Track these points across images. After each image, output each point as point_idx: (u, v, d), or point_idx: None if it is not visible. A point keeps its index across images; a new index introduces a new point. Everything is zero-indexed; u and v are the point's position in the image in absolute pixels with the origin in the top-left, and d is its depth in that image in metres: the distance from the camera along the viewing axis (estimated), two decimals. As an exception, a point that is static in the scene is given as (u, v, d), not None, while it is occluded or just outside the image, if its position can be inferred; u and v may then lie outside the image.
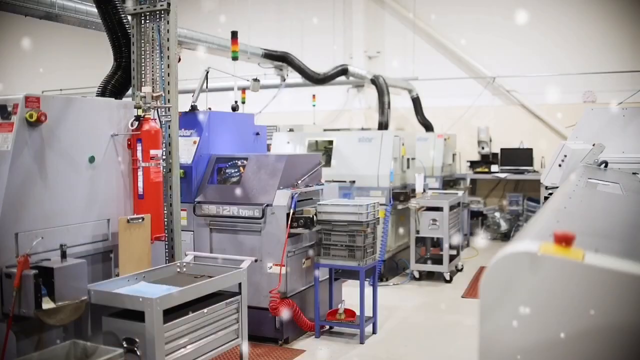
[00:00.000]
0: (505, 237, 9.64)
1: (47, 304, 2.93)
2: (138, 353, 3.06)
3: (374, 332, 5.38)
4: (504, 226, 9.83)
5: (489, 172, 10.12)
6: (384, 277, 7.06)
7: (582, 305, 1.30)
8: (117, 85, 4.18)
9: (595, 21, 9.79)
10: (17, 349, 2.98)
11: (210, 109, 5.81)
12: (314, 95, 10.44)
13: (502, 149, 10.26)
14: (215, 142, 5.50)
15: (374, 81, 9.71)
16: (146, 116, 3.77)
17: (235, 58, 6.58)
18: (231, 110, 6.20)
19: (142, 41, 4.16)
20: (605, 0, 9.78)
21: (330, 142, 7.85)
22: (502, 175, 9.95)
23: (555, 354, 1.32)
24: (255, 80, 7.64)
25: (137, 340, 3.07)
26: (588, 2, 9.93)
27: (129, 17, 4.17)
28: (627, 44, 9.64)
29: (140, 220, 3.66)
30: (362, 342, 5.15)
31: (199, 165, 5.35)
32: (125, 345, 3.08)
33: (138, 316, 3.09)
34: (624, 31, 9.66)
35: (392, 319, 5.86)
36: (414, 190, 7.58)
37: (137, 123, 3.73)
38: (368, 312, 5.41)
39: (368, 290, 5.44)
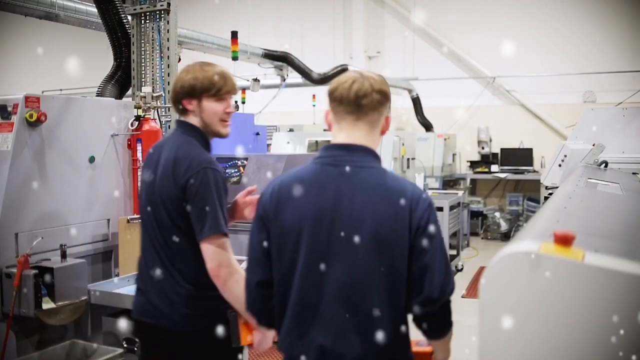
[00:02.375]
0: (505, 237, 9.64)
1: (47, 304, 2.93)
2: (138, 353, 3.06)
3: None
4: (504, 226, 9.83)
5: (489, 172, 10.12)
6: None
7: (582, 305, 1.30)
8: (117, 85, 4.18)
9: (595, 21, 9.80)
10: (17, 349, 2.99)
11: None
12: (314, 95, 10.45)
13: (502, 149, 10.26)
14: (215, 142, 5.50)
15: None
16: (146, 116, 3.77)
17: (235, 58, 6.58)
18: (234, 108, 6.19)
19: (142, 41, 4.16)
20: (606, 0, 9.78)
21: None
22: (502, 175, 9.96)
23: (555, 353, 1.32)
24: (255, 80, 7.65)
25: (137, 340, 3.07)
26: (588, 2, 9.94)
27: (129, 17, 4.17)
28: (627, 44, 9.64)
29: (140, 221, 3.65)
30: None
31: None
32: (125, 346, 3.08)
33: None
34: (624, 31, 9.66)
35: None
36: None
37: (137, 123, 3.73)
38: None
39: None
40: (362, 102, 1.75)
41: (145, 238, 2.27)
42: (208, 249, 2.10)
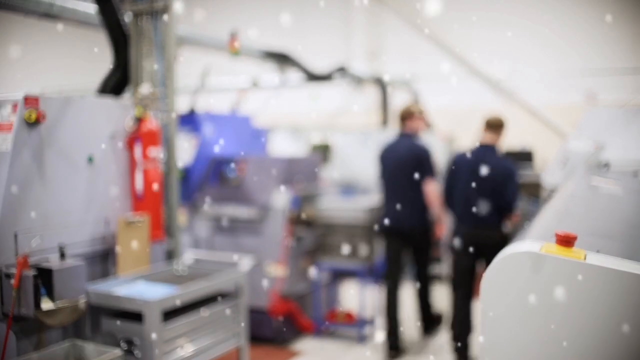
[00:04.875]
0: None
1: (46, 305, 2.92)
2: (137, 354, 3.06)
3: (373, 333, 5.37)
4: (504, 227, 9.82)
5: (490, 173, 10.11)
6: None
7: (583, 305, 1.29)
8: (115, 84, 4.17)
9: (597, 20, 9.79)
10: (17, 349, 2.98)
11: (209, 109, 5.80)
12: (314, 95, 10.44)
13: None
14: (214, 143, 5.49)
15: (375, 81, 9.72)
16: (145, 116, 3.76)
17: (234, 57, 6.57)
18: (231, 111, 6.19)
19: (141, 40, 4.15)
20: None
21: (330, 142, 7.84)
22: (503, 176, 9.93)
23: (557, 353, 1.31)
24: (254, 83, 7.65)
25: (136, 341, 3.07)
26: (589, 1, 9.94)
27: (128, 16, 4.16)
28: (629, 44, 9.64)
29: (139, 221, 3.65)
30: (361, 343, 5.14)
31: (198, 166, 5.34)
32: (124, 346, 3.08)
33: (137, 317, 3.08)
34: (627, 31, 9.66)
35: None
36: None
37: (136, 123, 3.72)
38: (368, 312, 5.40)
39: (368, 290, 5.43)
40: (501, 125, 4.59)
41: (393, 188, 4.88)
42: (431, 183, 4.80)
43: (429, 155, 4.93)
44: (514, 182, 4.43)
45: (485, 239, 4.39)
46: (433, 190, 4.78)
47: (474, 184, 4.40)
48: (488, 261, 3.76)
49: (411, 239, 4.92)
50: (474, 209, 4.41)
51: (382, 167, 4.97)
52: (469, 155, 4.56)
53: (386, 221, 4.82)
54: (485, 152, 4.50)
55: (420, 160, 4.82)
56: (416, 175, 4.76)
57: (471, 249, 4.42)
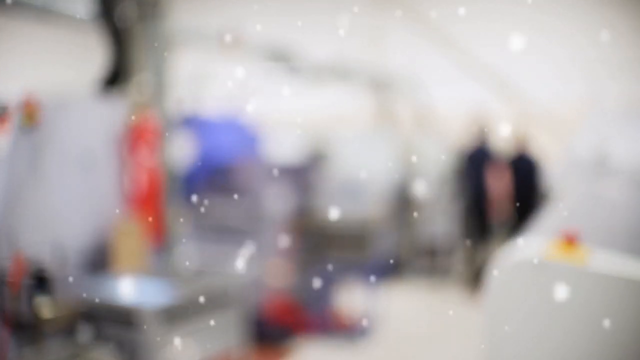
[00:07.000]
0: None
1: (44, 307, 2.91)
2: (134, 357, 3.05)
3: (374, 333, 5.36)
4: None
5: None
6: (384, 278, 7.04)
7: (586, 310, 1.28)
8: (112, 85, 4.14)
9: (600, 20, 9.79)
10: (15, 351, 2.97)
11: (208, 110, 5.79)
12: (314, 95, 10.44)
13: (504, 150, 10.24)
14: (213, 145, 5.48)
15: (376, 81, 9.72)
16: (142, 118, 3.74)
17: (233, 56, 6.56)
18: (230, 112, 6.18)
19: (138, 39, 4.12)
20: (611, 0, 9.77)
21: (331, 143, 7.83)
22: (504, 176, 9.93)
23: (559, 357, 1.30)
24: (252, 83, 7.63)
25: (134, 344, 3.06)
26: (591, 1, 9.93)
27: (125, 15, 4.13)
28: (632, 44, 9.64)
29: (136, 223, 3.63)
30: (361, 344, 5.13)
31: (196, 168, 5.32)
32: (121, 350, 3.07)
33: (135, 320, 3.07)
34: (630, 31, 9.65)
35: (393, 320, 5.83)
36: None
37: (133, 125, 3.70)
38: (368, 313, 5.39)
39: (368, 291, 5.42)
40: (527, 136, 7.07)
41: (473, 179, 7.04)
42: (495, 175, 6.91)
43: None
44: (538, 173, 6.85)
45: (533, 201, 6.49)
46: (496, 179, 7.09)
47: (523, 176, 6.86)
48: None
49: (483, 209, 7.03)
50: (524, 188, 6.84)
51: (468, 166, 7.16)
52: (517, 160, 7.01)
53: (469, 198, 7.08)
54: (523, 158, 6.95)
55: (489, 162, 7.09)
56: (484, 171, 6.99)
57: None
